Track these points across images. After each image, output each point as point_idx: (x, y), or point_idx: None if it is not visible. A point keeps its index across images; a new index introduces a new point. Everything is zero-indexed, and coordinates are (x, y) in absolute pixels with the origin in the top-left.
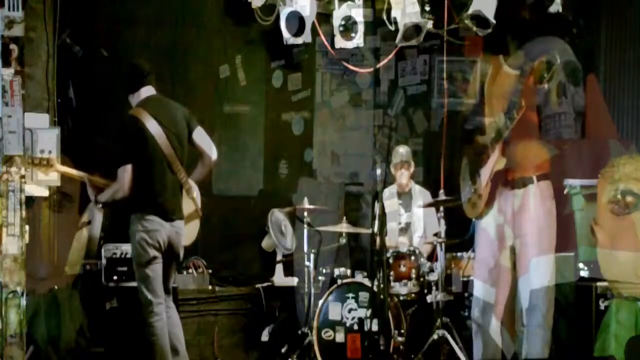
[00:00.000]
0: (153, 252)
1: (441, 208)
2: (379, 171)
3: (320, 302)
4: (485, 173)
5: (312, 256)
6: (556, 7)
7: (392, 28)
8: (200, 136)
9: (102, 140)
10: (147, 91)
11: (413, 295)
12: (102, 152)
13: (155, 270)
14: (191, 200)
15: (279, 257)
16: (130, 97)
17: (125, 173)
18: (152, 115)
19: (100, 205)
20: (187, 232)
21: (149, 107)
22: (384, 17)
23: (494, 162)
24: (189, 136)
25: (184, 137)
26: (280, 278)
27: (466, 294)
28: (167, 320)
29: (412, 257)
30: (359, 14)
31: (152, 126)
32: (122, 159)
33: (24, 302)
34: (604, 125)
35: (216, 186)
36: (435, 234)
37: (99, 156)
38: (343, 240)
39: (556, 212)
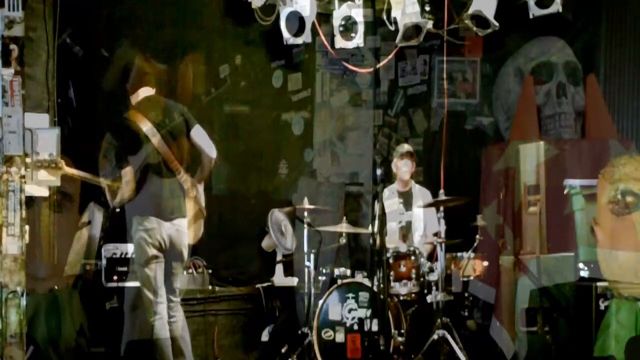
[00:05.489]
0: (153, 251)
1: (441, 208)
2: (379, 171)
3: (320, 302)
4: None
5: (312, 256)
6: (556, 7)
7: (392, 28)
8: (199, 134)
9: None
10: (145, 92)
11: (413, 295)
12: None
13: (156, 270)
14: (192, 200)
15: (279, 257)
16: (131, 98)
17: (127, 175)
18: (146, 116)
19: (118, 210)
20: (191, 231)
21: (144, 108)
22: (384, 17)
23: None
24: (187, 134)
25: (181, 135)
26: (280, 278)
27: (466, 294)
28: (172, 321)
29: (412, 257)
30: (359, 14)
31: (146, 127)
32: (122, 162)
33: (24, 302)
34: (604, 125)
35: (216, 186)
36: (435, 234)
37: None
38: (343, 240)
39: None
